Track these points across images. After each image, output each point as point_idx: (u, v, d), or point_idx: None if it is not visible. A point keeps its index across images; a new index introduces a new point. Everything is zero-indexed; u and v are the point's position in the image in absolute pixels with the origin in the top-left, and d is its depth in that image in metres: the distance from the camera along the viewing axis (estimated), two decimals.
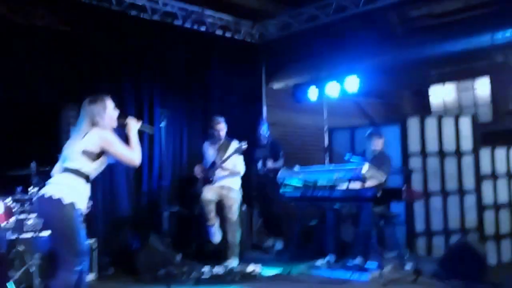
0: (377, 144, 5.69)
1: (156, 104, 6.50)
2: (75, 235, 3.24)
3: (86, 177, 3.37)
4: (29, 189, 4.55)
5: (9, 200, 4.40)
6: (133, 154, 3.48)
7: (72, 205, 3.24)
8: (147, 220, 6.31)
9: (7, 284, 4.01)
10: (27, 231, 4.63)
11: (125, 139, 3.45)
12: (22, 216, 4.60)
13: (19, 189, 4.49)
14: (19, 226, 4.57)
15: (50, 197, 3.21)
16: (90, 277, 5.13)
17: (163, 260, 5.33)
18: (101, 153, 3.40)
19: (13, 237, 4.34)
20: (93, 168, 3.40)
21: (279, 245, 6.88)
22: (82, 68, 5.74)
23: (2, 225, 4.27)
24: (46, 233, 4.82)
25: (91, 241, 5.35)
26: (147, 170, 6.40)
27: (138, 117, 6.20)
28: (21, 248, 4.47)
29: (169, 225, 6.02)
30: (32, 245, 4.57)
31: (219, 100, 7.18)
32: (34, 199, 4.41)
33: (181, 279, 5.10)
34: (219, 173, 5.75)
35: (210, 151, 5.95)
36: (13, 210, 4.53)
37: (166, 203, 6.10)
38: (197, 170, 5.91)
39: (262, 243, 7.24)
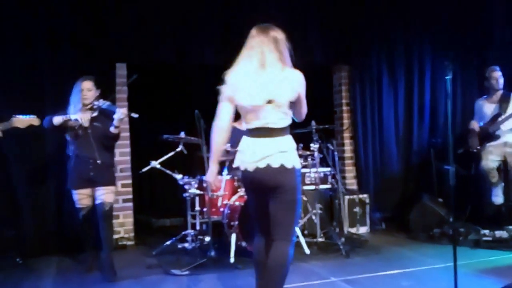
0: None
1: (426, 56, 6.23)
2: (296, 202, 2.64)
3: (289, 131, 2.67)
4: (310, 145, 4.91)
5: None
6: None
7: (293, 169, 2.60)
8: (418, 179, 6.20)
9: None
10: (309, 183, 5.11)
11: None
12: (304, 170, 4.99)
13: (300, 145, 4.84)
14: (302, 179, 4.98)
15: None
16: (363, 229, 5.54)
17: (436, 220, 5.18)
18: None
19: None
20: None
21: None
22: (354, 29, 5.89)
23: None
24: (324, 186, 5.23)
25: (364, 195, 5.58)
26: (416, 128, 6.25)
27: (409, 73, 6.16)
28: (304, 198, 4.97)
29: (441, 184, 5.77)
30: (313, 196, 5.02)
31: (498, 46, 6.28)
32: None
33: (457, 240, 4.85)
34: (501, 128, 5.27)
35: (486, 106, 5.48)
36: None
37: (438, 161, 5.84)
38: (474, 125, 5.51)
39: None
